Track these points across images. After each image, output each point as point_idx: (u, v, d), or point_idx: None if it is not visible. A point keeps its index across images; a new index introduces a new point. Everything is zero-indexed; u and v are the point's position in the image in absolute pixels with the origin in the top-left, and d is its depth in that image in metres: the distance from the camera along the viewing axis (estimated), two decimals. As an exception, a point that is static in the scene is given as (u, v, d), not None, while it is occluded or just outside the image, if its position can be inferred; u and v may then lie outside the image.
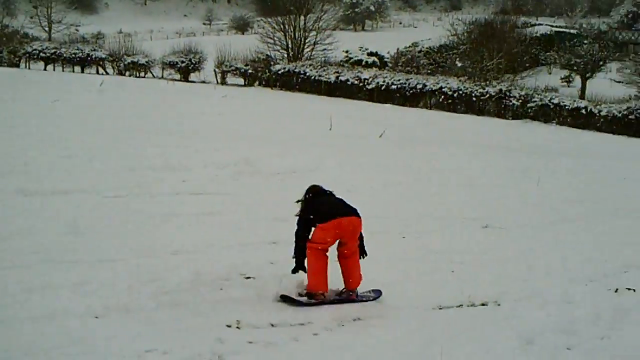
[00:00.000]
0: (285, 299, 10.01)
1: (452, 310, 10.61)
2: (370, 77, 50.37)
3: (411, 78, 50.24)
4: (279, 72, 53.77)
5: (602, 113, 44.46)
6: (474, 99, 47.15)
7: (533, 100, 46.03)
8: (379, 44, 64.88)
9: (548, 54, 66.40)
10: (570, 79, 61.61)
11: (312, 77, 52.26)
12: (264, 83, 54.65)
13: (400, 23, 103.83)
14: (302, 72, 52.93)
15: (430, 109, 47.73)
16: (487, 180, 22.41)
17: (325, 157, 22.83)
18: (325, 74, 51.96)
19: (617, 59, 65.80)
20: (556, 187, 22.44)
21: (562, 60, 60.32)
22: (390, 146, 27.62)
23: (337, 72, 51.91)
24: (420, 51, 63.51)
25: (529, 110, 45.86)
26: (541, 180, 22.57)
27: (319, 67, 53.83)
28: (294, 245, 10.14)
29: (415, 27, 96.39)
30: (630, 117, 43.67)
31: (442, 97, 47.85)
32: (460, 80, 49.43)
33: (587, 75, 58.26)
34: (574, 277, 12.71)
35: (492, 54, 55.45)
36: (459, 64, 56.65)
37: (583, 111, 44.97)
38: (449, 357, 8.66)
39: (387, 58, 61.70)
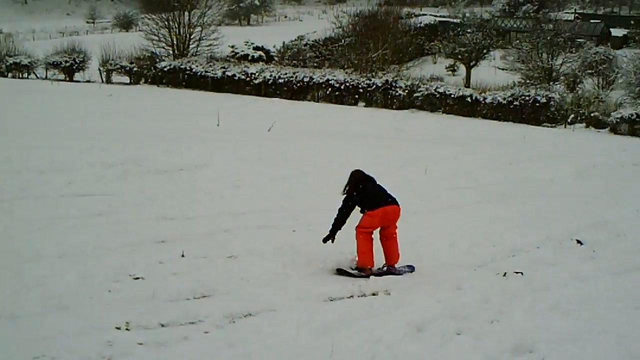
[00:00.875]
0: (340, 272, 11.62)
1: (343, 301, 10.65)
2: (257, 72, 50.16)
3: (298, 71, 50.21)
4: (165, 69, 53.05)
5: (487, 100, 45.14)
6: (361, 90, 47.38)
7: (419, 90, 46.46)
8: (265, 38, 64.80)
9: (432, 43, 67.34)
10: (455, 68, 62.56)
11: (199, 73, 51.77)
12: (150, 80, 53.85)
13: (286, 17, 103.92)
14: (188, 68, 52.38)
15: (318, 101, 47.81)
16: (375, 170, 22.33)
17: (213, 153, 22.69)
18: (212, 70, 51.51)
19: (500, 47, 67.03)
20: (444, 175, 22.76)
21: (446, 49, 61.21)
22: (278, 140, 27.54)
23: (224, 68, 51.52)
24: (306, 44, 63.57)
25: (416, 100, 46.30)
26: (429, 169, 22.82)
27: (205, 63, 53.36)
28: (335, 217, 11.73)
29: (301, 21, 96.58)
30: (514, 103, 44.45)
31: (330, 89, 47.96)
32: (346, 72, 49.63)
33: (472, 63, 59.24)
34: (462, 263, 12.89)
35: (377, 45, 55.87)
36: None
37: (468, 99, 45.59)
38: (340, 348, 8.71)
39: (274, 52, 61.64)
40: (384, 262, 12.02)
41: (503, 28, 79.19)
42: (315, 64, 57.88)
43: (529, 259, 13.46)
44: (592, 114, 44.50)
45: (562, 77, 55.35)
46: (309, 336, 9.08)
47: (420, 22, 75.04)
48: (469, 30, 64.09)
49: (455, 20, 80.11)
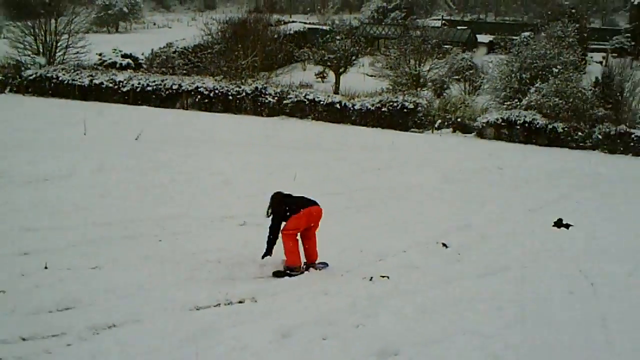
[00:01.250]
0: (276, 274, 12.44)
1: (209, 310, 10.58)
2: (125, 80, 49.32)
3: (167, 79, 49.56)
4: (31, 77, 51.63)
5: (356, 107, 45.55)
6: (231, 97, 47.18)
7: (289, 97, 46.55)
8: (133, 45, 63.77)
9: (302, 50, 67.44)
10: (325, 75, 62.87)
11: (65, 82, 50.49)
12: (15, 89, 52.32)
13: (155, 24, 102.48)
14: (54, 76, 51.00)
15: (188, 109, 47.33)
16: (244, 177, 22.45)
17: (79, 162, 22.16)
18: (79, 78, 50.32)
19: (369, 54, 67.73)
20: (313, 181, 22.76)
21: (316, 56, 61.46)
22: (147, 148, 27.14)
23: (91, 76, 50.41)
24: (175, 52, 62.85)
25: (285, 107, 46.38)
26: (298, 175, 22.83)
27: (72, 71, 52.14)
28: (267, 237, 12.76)
29: (170, 28, 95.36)
30: (383, 109, 44.99)
31: (199, 97, 47.55)
32: (216, 80, 49.34)
33: (341, 70, 59.63)
34: (330, 269, 12.93)
35: (247, 53, 55.74)
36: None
37: (338, 106, 45.88)
38: (204, 357, 8.68)
39: (142, 60, 60.73)
40: (304, 261, 12.90)
41: (372, 35, 79.98)
42: (185, 72, 57.27)
43: (395, 263, 13.64)
44: (458, 119, 45.51)
45: (429, 83, 56.21)
46: (173, 346, 9.01)
47: (290, 29, 75.10)
48: (338, 37, 64.46)
49: (324, 28, 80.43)
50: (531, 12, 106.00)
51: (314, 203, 12.91)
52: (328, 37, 66.45)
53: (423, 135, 42.96)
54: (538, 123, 42.60)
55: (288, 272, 12.47)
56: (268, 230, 12.77)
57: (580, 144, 42.03)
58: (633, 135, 41.47)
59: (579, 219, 19.60)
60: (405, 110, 44.95)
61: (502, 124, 43.20)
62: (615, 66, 51.28)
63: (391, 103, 45.23)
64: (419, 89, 53.46)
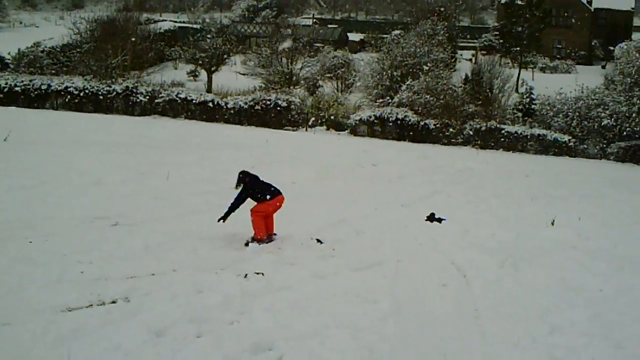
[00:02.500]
0: (246, 244, 14.75)
1: (81, 311, 10.31)
2: (-9, 80, 47.92)
3: (35, 79, 48.22)
4: None
5: (229, 105, 45.40)
6: (101, 97, 46.25)
7: (160, 96, 46.05)
8: (-1, 45, 62.06)
9: (173, 49, 66.79)
10: (197, 73, 62.35)
11: None
12: None
13: (21, 23, 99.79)
14: None
15: (57, 109, 46.19)
16: (116, 178, 21.99)
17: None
18: (-61, 79, 48.68)
19: (241, 52, 67.64)
20: (186, 180, 22.57)
21: (187, 55, 60.90)
22: (15, 150, 26.31)
23: (-46, 76, 48.87)
24: (43, 51, 61.36)
25: (157, 106, 45.84)
26: (172, 174, 22.55)
27: None
28: (235, 201, 14.95)
29: (37, 27, 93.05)
30: (256, 107, 44.96)
31: (69, 97, 46.46)
32: (86, 79, 48.37)
33: (213, 68, 59.24)
34: (204, 266, 12.81)
35: (117, 52, 54.90)
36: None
37: (210, 104, 45.62)
38: (76, 358, 8.52)
39: (8, 59, 59.09)
40: (267, 231, 15.31)
41: (243, 33, 79.94)
42: (54, 71, 55.98)
43: (270, 260, 13.57)
44: (332, 117, 45.83)
45: (302, 81, 56.47)
46: (44, 349, 8.78)
47: (160, 28, 74.22)
48: (209, 36, 64.26)
49: (195, 26, 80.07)
50: (401, 11, 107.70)
51: (280, 193, 15.32)
52: (199, 35, 66.19)
53: (297, 133, 43.10)
54: (410, 120, 43.28)
55: (257, 242, 14.84)
56: (233, 199, 15.00)
57: (452, 140, 42.90)
58: (503, 131, 42.58)
59: (451, 213, 19.90)
60: (278, 108, 45.08)
61: (375, 121, 43.73)
62: (485, 63, 52.48)
63: (264, 101, 45.27)
64: (291, 87, 53.66)
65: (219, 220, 15.02)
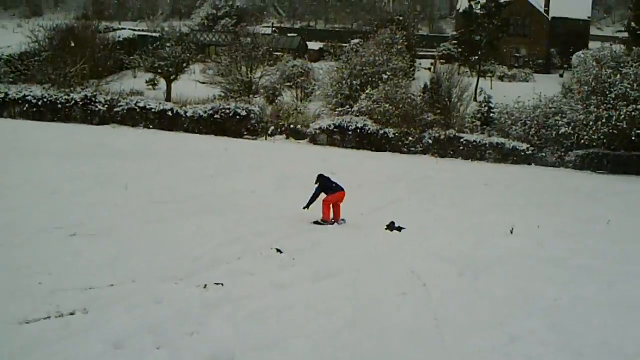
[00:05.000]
0: (316, 223, 19.52)
1: (38, 323, 10.17)
2: (-54, 88, 47.35)
3: (-7, 87, 47.88)
4: None
5: (188, 114, 45.19)
6: (60, 106, 45.82)
7: (119, 104, 45.72)
8: (-46, 52, 61.37)
9: (132, 57, 66.40)
10: (156, 82, 62.01)
11: None
12: None
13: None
14: None
15: (15, 118, 45.72)
16: (74, 187, 21.82)
17: None
18: None
19: (200, 61, 67.40)
20: (146, 190, 22.43)
21: (146, 63, 60.55)
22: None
23: None
24: (0, 59, 60.76)
25: (116, 115, 45.50)
26: (130, 184, 22.43)
27: None
28: (314, 193, 19.70)
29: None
30: (215, 116, 44.81)
31: (27, 105, 45.98)
32: (44, 88, 47.97)
33: (172, 77, 58.95)
34: (163, 277, 12.74)
35: (75, 60, 54.49)
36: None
37: (169, 113, 45.39)
38: None
39: (-36, 68, 58.54)
40: (333, 218, 19.90)
41: (202, 42, 79.72)
42: (11, 80, 55.44)
43: (229, 270, 13.52)
44: (291, 125, 45.79)
45: (261, 90, 56.38)
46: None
47: (119, 36, 73.71)
48: (168, 44, 63.76)
49: (154, 34, 79.63)
50: (360, 20, 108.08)
51: (342, 189, 19.97)
52: (158, 44, 65.60)
53: (256, 142, 43.04)
54: (369, 129, 43.38)
55: (322, 223, 19.60)
56: (314, 191, 19.78)
57: (411, 149, 43.06)
58: (462, 139, 42.80)
59: (411, 221, 19.98)
60: (237, 117, 44.96)
61: (334, 130, 43.77)
62: (443, 72, 52.70)
63: (223, 110, 45.13)
64: (251, 95, 53.57)
65: (304, 207, 19.63)
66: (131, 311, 10.73)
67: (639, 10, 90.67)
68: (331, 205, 19.90)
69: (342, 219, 20.07)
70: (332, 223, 19.68)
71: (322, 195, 19.85)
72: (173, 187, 23.44)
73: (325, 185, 19.91)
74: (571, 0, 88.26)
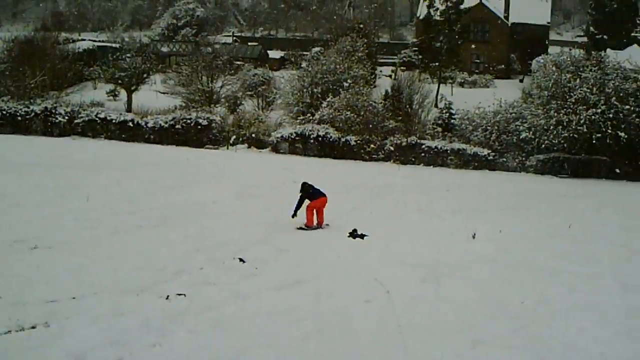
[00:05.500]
0: (300, 228, 20.09)
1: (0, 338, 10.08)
2: None
3: (-50, 100, 47.39)
4: None
5: (149, 125, 45.02)
6: (19, 118, 45.45)
7: (80, 116, 45.43)
8: None
9: (92, 69, 66.20)
10: (117, 93, 61.77)
11: None
12: None
13: None
14: None
15: (-26, 131, 45.33)
16: (35, 199, 21.60)
17: None
18: None
19: (161, 71, 67.19)
20: (107, 201, 22.25)
21: (106, 74, 60.32)
22: None
23: None
24: (-42, 72, 60.28)
25: (77, 127, 45.21)
26: (91, 196, 22.26)
27: None
28: (298, 201, 20.28)
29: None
30: (177, 126, 44.66)
31: (-14, 118, 45.65)
32: (3, 100, 47.57)
33: (133, 88, 58.75)
34: (125, 289, 12.65)
35: (35, 72, 54.13)
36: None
37: (130, 124, 45.21)
38: None
39: None
40: (317, 222, 20.57)
41: (163, 52, 79.58)
42: (-33, 92, 54.98)
43: (192, 280, 13.46)
44: (253, 135, 45.78)
45: (223, 99, 56.30)
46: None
47: (79, 48, 73.48)
48: (128, 55, 63.62)
49: (114, 45, 79.30)
50: (321, 28, 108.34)
51: (324, 195, 20.64)
52: (118, 54, 65.44)
53: (218, 152, 42.95)
54: (331, 137, 43.43)
55: (306, 228, 20.19)
56: (298, 199, 20.36)
57: (373, 156, 43.16)
58: (423, 146, 42.98)
59: (373, 228, 20.00)
60: (199, 126, 44.88)
61: (296, 138, 43.79)
62: (404, 79, 52.97)
63: (185, 120, 45.02)
64: (212, 105, 53.46)
65: (292, 216, 20.26)
66: (93, 324, 10.66)
67: (597, 15, 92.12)
68: (315, 211, 20.62)
69: (326, 224, 20.84)
70: (316, 228, 20.44)
71: (306, 202, 20.54)
72: (135, 198, 23.28)
73: (309, 192, 20.62)
74: (531, 6, 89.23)
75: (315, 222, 20.57)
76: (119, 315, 11.14)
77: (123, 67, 59.26)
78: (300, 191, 20.62)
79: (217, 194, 24.91)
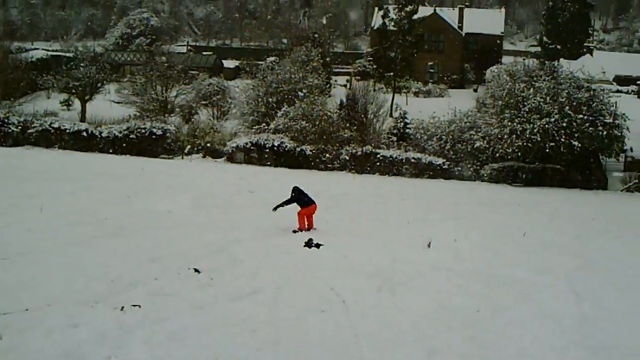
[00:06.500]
0: (295, 231, 21.41)
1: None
2: None
3: None
4: None
5: (104, 134, 44.63)
6: (-29, 128, 44.94)
7: (33, 126, 44.94)
8: None
9: (45, 78, 65.62)
10: (70, 102, 61.33)
11: None
12: None
13: None
14: None
15: None
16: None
17: None
18: None
19: (115, 80, 66.73)
20: (61, 212, 22.05)
21: (60, 84, 59.85)
22: None
23: None
24: None
25: (30, 136, 44.72)
26: (45, 206, 22.06)
27: None
28: (286, 200, 21.80)
29: None
30: (131, 136, 44.36)
31: None
32: (-48, 112, 47.03)
33: (87, 97, 58.33)
34: (79, 300, 12.55)
35: (-13, 81, 53.72)
36: None
37: (84, 134, 44.75)
38: None
39: None
40: (307, 225, 21.94)
41: (117, 61, 79.16)
42: None
43: (147, 291, 13.39)
44: (208, 144, 45.60)
45: (177, 109, 56.07)
46: None
47: (32, 57, 72.89)
48: (82, 64, 63.12)
49: (68, 55, 78.72)
50: (275, 38, 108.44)
51: (314, 202, 22.11)
52: (72, 64, 64.88)
53: (173, 162, 42.71)
54: (287, 146, 43.38)
55: (298, 231, 21.50)
56: (289, 198, 21.91)
57: (329, 166, 43.18)
58: (378, 155, 43.05)
59: (329, 238, 20.03)
60: (153, 136, 44.60)
61: (252, 148, 43.68)
62: (359, 89, 53.03)
63: (139, 130, 44.70)
64: (167, 115, 53.22)
65: (273, 209, 21.93)
66: (48, 336, 10.56)
67: (550, 25, 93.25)
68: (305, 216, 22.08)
69: (314, 227, 22.19)
70: (308, 229, 21.92)
71: (296, 207, 22.04)
72: (89, 208, 23.10)
73: (300, 198, 22.04)
74: (484, 16, 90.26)
75: (305, 226, 21.98)
76: (73, 327, 11.03)
77: (77, 76, 58.81)
78: (292, 193, 22.11)
79: (172, 204, 24.80)
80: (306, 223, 22.05)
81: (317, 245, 19.15)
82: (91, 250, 16.86)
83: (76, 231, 19.24)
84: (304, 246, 19.10)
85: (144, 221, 21.66)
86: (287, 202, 21.89)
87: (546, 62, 49.90)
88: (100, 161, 39.53)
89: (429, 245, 19.70)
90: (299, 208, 22.09)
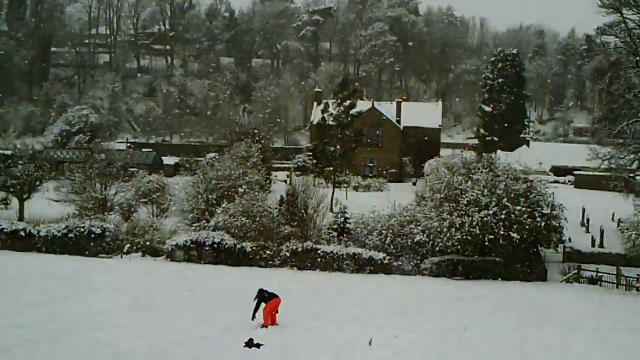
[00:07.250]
0: (262, 327, 22.62)
1: None
2: None
3: None
4: None
5: (42, 233, 44.11)
6: None
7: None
8: None
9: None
10: (8, 201, 60.66)
11: None
12: None
13: None
14: None
15: None
16: None
17: None
18: None
19: (54, 178, 66.10)
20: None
21: None
22: None
23: None
24: None
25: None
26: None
27: None
28: (256, 304, 23.27)
29: None
30: (69, 235, 43.87)
31: None
32: None
33: (25, 196, 57.74)
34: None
35: None
36: None
37: (22, 233, 44.19)
38: None
39: None
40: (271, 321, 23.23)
41: (56, 159, 78.80)
42: None
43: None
44: (147, 243, 45.24)
45: (116, 207, 55.66)
46: None
47: (-31, 155, 72.35)
48: (20, 162, 62.60)
49: (6, 152, 78.11)
50: (215, 134, 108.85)
51: (277, 296, 23.83)
52: (10, 162, 64.31)
53: (112, 261, 42.26)
54: (227, 243, 43.19)
55: (265, 327, 22.70)
56: (255, 303, 23.33)
57: (269, 262, 43.01)
58: (319, 251, 42.96)
59: (270, 338, 19.95)
60: (92, 235, 44.14)
61: (192, 245, 43.39)
62: (299, 184, 53.20)
63: (78, 228, 44.25)
64: (106, 213, 52.80)
65: (252, 318, 23.21)
66: None
67: (486, 117, 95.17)
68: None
69: (276, 323, 23.68)
70: (272, 324, 23.42)
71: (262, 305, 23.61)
72: (23, 310, 22.73)
73: (263, 296, 23.72)
74: (422, 109, 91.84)
75: (270, 322, 23.42)
76: None
77: (15, 174, 58.24)
78: (256, 296, 23.67)
79: (110, 304, 24.54)
80: (269, 319, 23.44)
81: (257, 345, 19.05)
82: (27, 355, 16.56)
83: (12, 334, 18.95)
84: (244, 346, 18.98)
85: (83, 322, 21.46)
86: (257, 305, 23.56)
87: (483, 154, 50.67)
88: (38, 261, 39.09)
89: (370, 343, 19.65)
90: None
